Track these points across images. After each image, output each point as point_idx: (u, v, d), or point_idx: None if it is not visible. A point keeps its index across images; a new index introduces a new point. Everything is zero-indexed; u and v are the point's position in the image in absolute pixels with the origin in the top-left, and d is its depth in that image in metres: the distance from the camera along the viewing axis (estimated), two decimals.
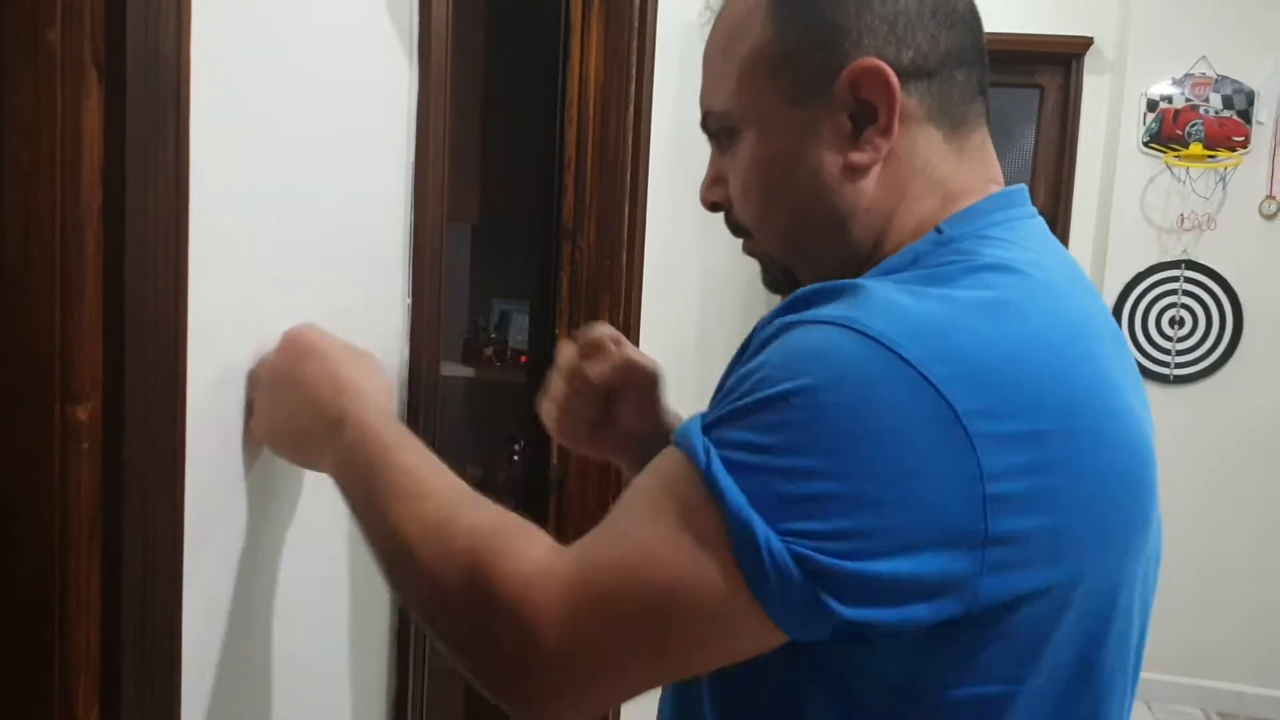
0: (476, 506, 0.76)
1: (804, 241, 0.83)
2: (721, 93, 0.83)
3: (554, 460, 2.17)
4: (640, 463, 1.10)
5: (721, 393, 0.71)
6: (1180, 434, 3.70)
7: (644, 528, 0.68)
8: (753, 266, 0.90)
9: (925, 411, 0.64)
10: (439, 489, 0.78)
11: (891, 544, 0.63)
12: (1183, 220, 3.71)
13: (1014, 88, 3.86)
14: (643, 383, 1.07)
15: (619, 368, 1.05)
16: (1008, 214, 0.79)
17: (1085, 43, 3.77)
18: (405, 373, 1.24)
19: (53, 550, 0.70)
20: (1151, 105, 3.70)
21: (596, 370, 1.05)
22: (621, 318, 2.16)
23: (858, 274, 0.78)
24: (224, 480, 0.88)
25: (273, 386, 0.88)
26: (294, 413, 0.87)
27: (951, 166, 0.79)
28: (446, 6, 1.25)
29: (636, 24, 2.09)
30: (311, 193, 1.00)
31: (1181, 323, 3.76)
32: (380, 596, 1.26)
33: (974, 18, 0.81)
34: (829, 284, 0.73)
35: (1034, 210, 0.82)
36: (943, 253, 0.75)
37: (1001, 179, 0.83)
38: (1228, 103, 3.65)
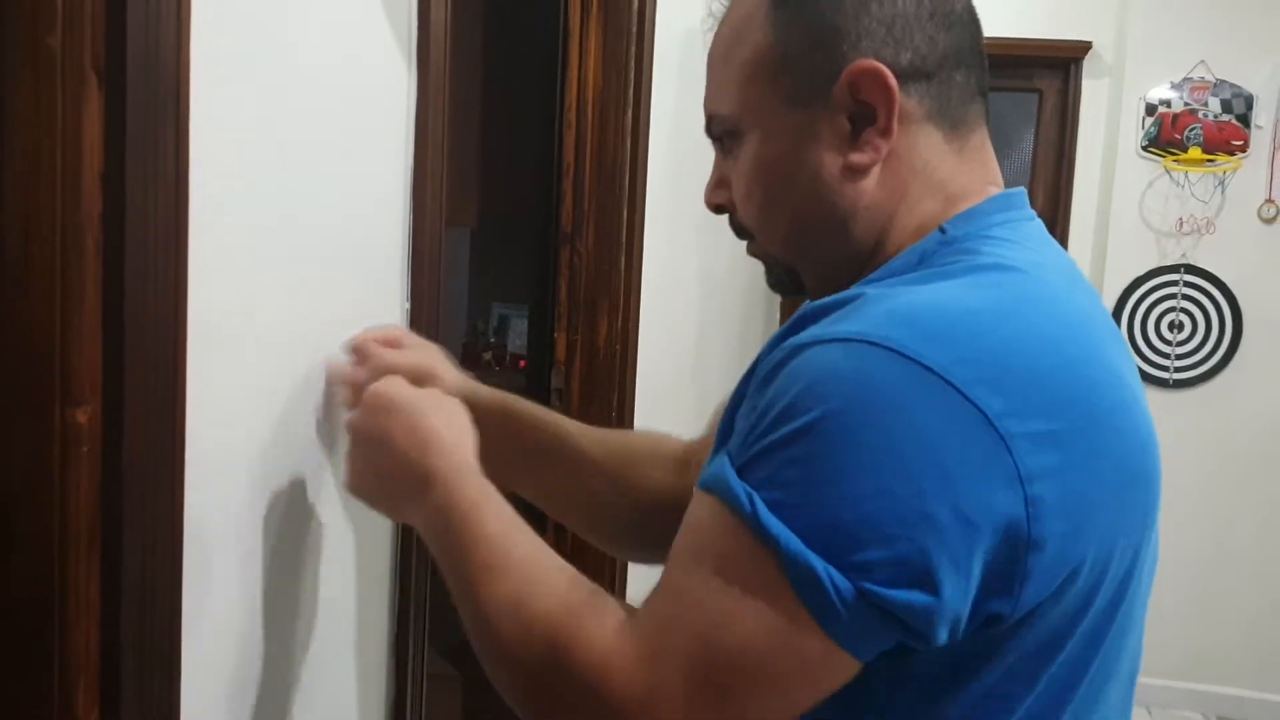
0: (550, 580, 0.77)
1: (806, 242, 0.83)
2: (724, 97, 0.83)
3: None
4: None
5: (740, 426, 0.71)
6: (1180, 438, 3.69)
7: (703, 588, 0.67)
8: (752, 270, 0.91)
9: (957, 419, 0.63)
10: (513, 561, 0.78)
11: (948, 561, 0.63)
12: (1182, 224, 3.71)
13: (1013, 92, 3.87)
14: (425, 371, 1.04)
15: (396, 365, 1.02)
16: (1008, 216, 0.79)
17: (1084, 47, 3.77)
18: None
19: (52, 552, 0.70)
20: (1150, 109, 3.71)
21: (366, 371, 1.02)
22: (620, 322, 2.16)
23: (860, 274, 0.79)
24: (223, 483, 0.89)
25: (362, 445, 0.91)
26: (383, 471, 0.89)
27: (951, 167, 0.80)
28: (445, 11, 1.25)
29: (635, 29, 2.09)
30: (311, 197, 1.00)
31: (1181, 327, 3.76)
32: (379, 600, 1.26)
33: (972, 19, 0.81)
34: (833, 298, 0.73)
35: (1033, 213, 0.83)
36: (947, 252, 0.75)
37: (1001, 181, 0.83)
38: (1226, 107, 3.66)
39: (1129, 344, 3.75)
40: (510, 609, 0.75)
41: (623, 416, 2.22)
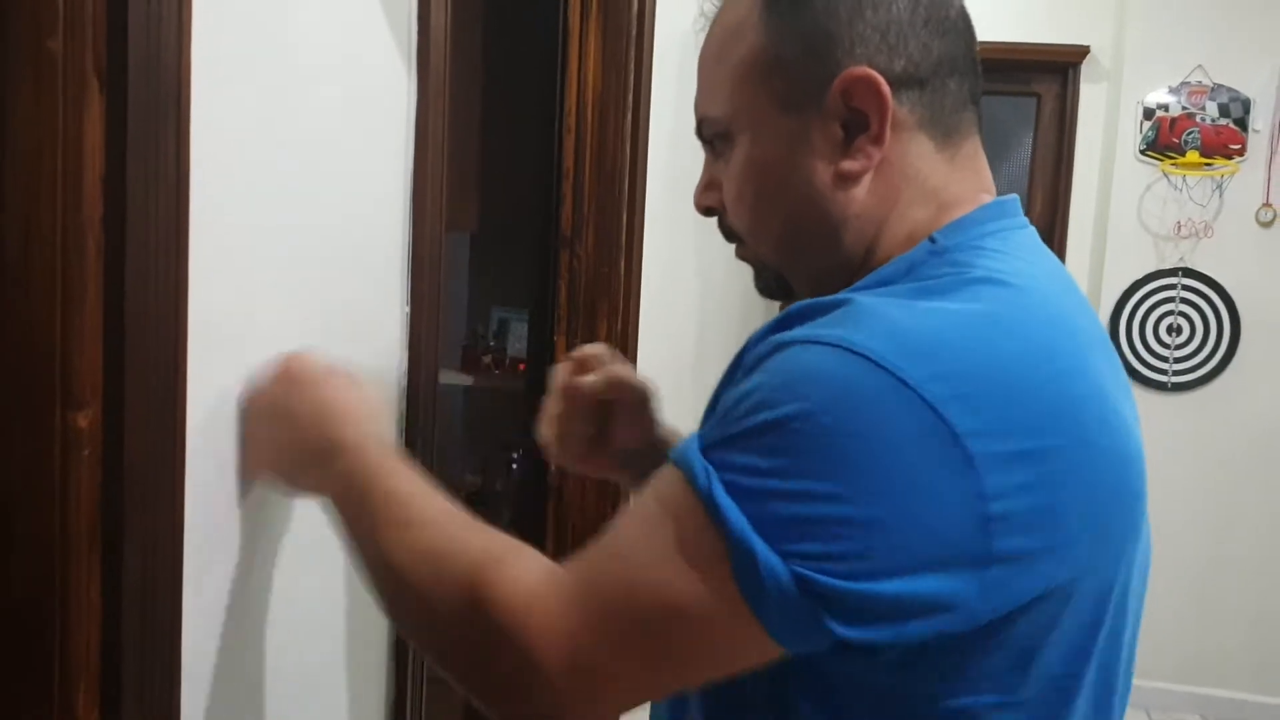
0: (470, 531, 0.77)
1: (796, 247, 0.83)
2: (715, 99, 0.83)
3: (552, 468, 2.18)
4: (638, 478, 1.11)
5: (716, 412, 0.71)
6: (1178, 441, 3.70)
7: (643, 549, 0.69)
8: (750, 274, 0.91)
9: (925, 433, 0.64)
10: (431, 515, 0.78)
11: (893, 565, 0.63)
12: (1180, 228, 3.72)
13: (1011, 96, 3.87)
14: (635, 399, 1.08)
15: (611, 383, 1.07)
16: (1000, 224, 0.79)
17: (1082, 51, 3.78)
18: (404, 381, 1.24)
19: (53, 554, 0.70)
20: (1148, 113, 3.71)
21: (588, 384, 1.06)
22: (619, 325, 2.16)
23: (850, 280, 0.79)
24: (224, 486, 0.89)
25: (266, 416, 0.89)
26: (287, 442, 0.88)
27: (943, 175, 0.80)
28: (445, 15, 1.25)
29: (634, 32, 2.10)
30: (311, 200, 1.00)
31: (1179, 330, 3.76)
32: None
33: (966, 27, 0.81)
34: (821, 300, 0.73)
35: (1026, 221, 0.82)
36: (937, 263, 0.75)
37: (994, 188, 0.83)
38: (1224, 111, 3.66)
39: (1127, 348, 3.76)
40: (428, 557, 0.75)
41: None
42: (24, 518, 0.70)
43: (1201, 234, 3.70)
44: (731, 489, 0.66)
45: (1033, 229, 0.82)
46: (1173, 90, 3.69)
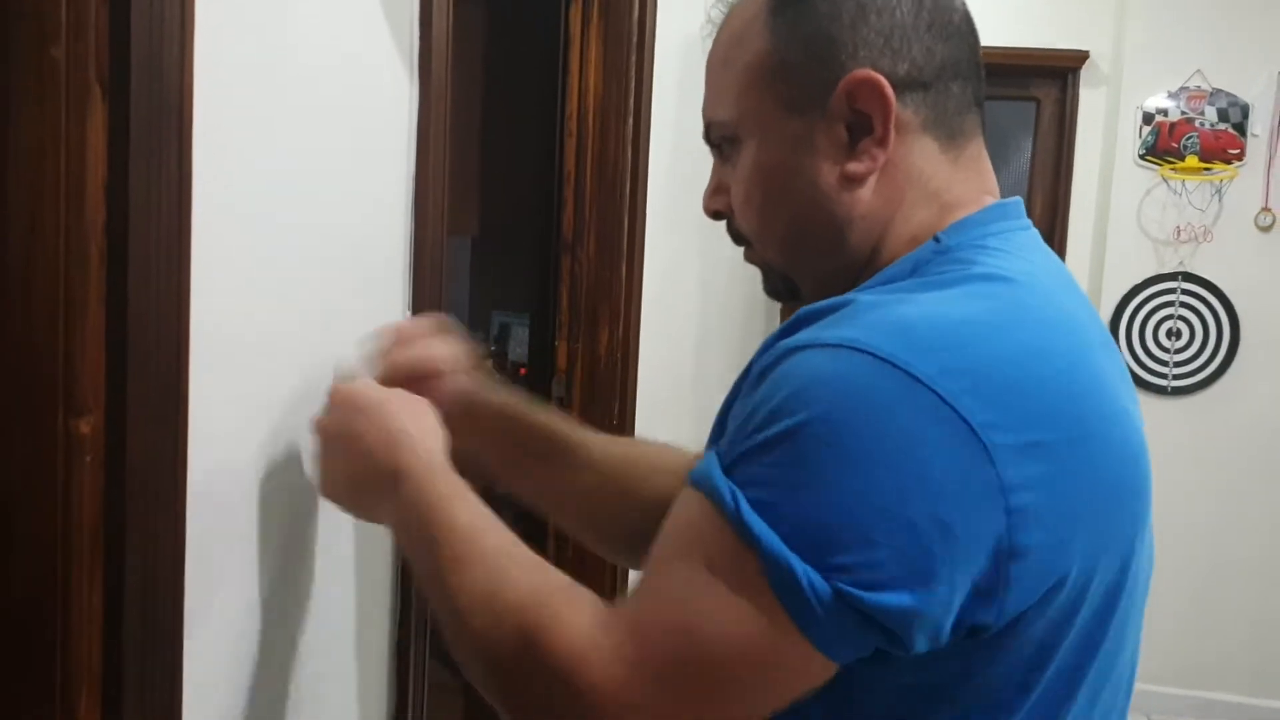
0: (522, 570, 0.77)
1: (802, 249, 0.84)
2: (722, 103, 0.84)
3: None
4: (471, 443, 1.02)
5: (731, 426, 0.71)
6: (1178, 445, 3.70)
7: (683, 583, 0.68)
8: (752, 278, 0.91)
9: (942, 429, 0.64)
10: (486, 552, 0.78)
11: (927, 567, 0.63)
12: (1179, 232, 3.72)
13: (1011, 101, 3.87)
14: (427, 370, 1.03)
15: (408, 366, 1.02)
16: (1003, 225, 0.79)
17: (1081, 56, 3.78)
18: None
19: (55, 560, 0.70)
20: (1147, 118, 3.71)
21: (387, 372, 1.02)
22: (621, 330, 2.16)
23: (856, 281, 0.79)
24: (226, 492, 0.89)
25: (329, 444, 0.91)
26: (351, 470, 0.89)
27: (947, 176, 0.80)
28: (447, 22, 1.25)
29: (635, 38, 2.10)
30: (313, 205, 1.00)
31: (1179, 334, 3.76)
32: (381, 609, 1.26)
33: (970, 31, 0.82)
34: (826, 302, 0.73)
35: (1029, 222, 0.83)
36: (941, 261, 0.76)
37: (997, 190, 0.84)
38: (1223, 116, 3.67)
39: (1127, 351, 3.75)
40: (483, 600, 0.75)
41: (623, 424, 2.22)
42: (26, 523, 0.70)
43: (1201, 238, 3.71)
44: (758, 506, 0.65)
45: (1035, 231, 0.83)
46: (1172, 95, 3.69)
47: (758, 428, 0.67)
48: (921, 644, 0.65)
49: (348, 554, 1.15)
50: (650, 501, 1.08)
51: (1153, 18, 3.68)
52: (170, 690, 0.80)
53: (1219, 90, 3.66)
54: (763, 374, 0.70)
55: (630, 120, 2.11)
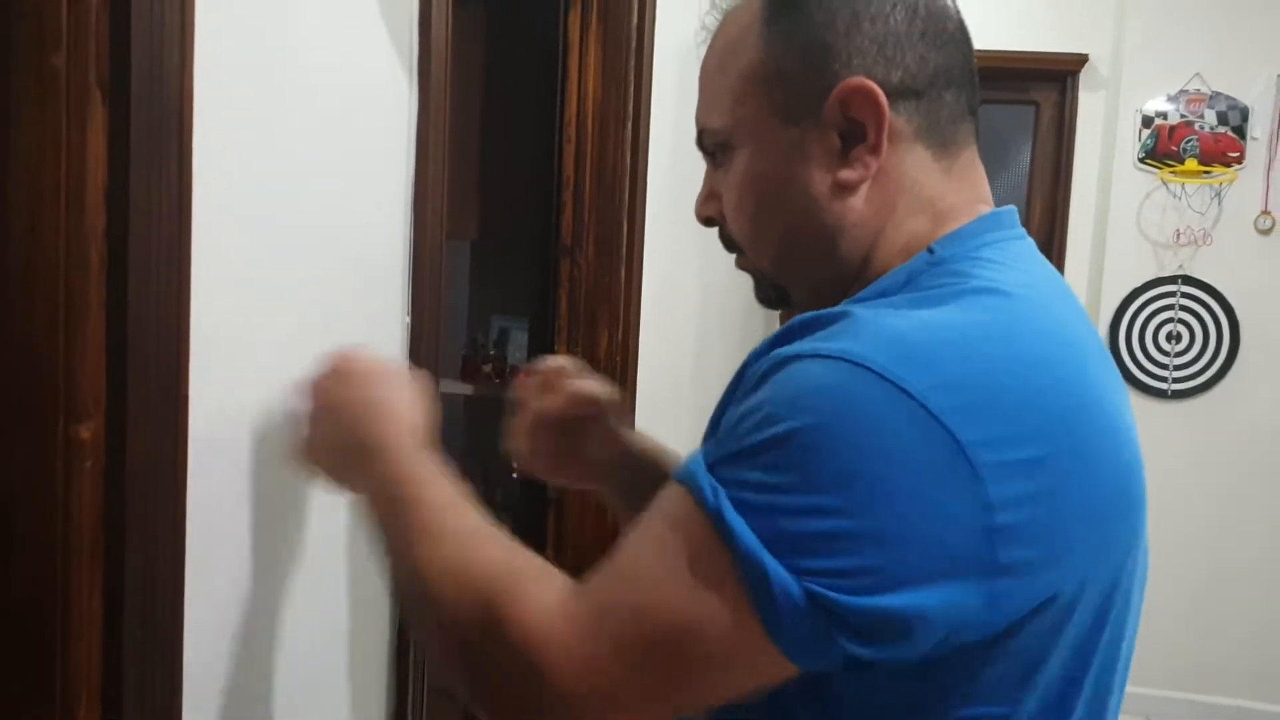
0: (493, 547, 0.76)
1: (794, 257, 0.84)
2: (716, 110, 0.84)
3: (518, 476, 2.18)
4: (615, 488, 1.12)
5: (721, 428, 0.71)
6: (1178, 449, 3.70)
7: (654, 569, 0.68)
8: (751, 283, 0.91)
9: (929, 444, 0.64)
10: (459, 529, 0.78)
11: (902, 578, 0.63)
12: (1179, 236, 3.72)
13: (1010, 104, 3.88)
14: (600, 412, 1.11)
15: (574, 399, 1.10)
16: (997, 235, 0.79)
17: (1080, 60, 3.79)
18: None
19: (55, 564, 0.70)
20: (1147, 121, 3.72)
21: (546, 403, 1.10)
22: (620, 335, 2.16)
23: (848, 290, 0.79)
24: (226, 497, 0.89)
25: (319, 409, 0.90)
26: (334, 437, 0.89)
27: (940, 185, 0.80)
28: (446, 27, 1.26)
29: (634, 43, 2.10)
30: (312, 211, 1.01)
31: (1178, 338, 3.76)
32: (380, 614, 1.26)
33: (964, 39, 0.82)
34: (822, 313, 0.73)
35: (1023, 231, 0.83)
36: (935, 274, 0.76)
37: (990, 199, 0.84)
38: (1222, 119, 3.67)
39: (1127, 355, 3.76)
40: (450, 572, 0.75)
41: None
42: (27, 526, 0.70)
43: (1200, 242, 3.71)
44: (740, 505, 0.65)
45: (1030, 240, 0.83)
46: (1171, 98, 3.70)
47: (748, 432, 0.67)
48: (893, 652, 0.65)
49: (349, 559, 1.15)
50: None
51: (1152, 21, 3.69)
52: (169, 693, 0.80)
53: (1218, 93, 3.67)
54: (758, 380, 0.70)
55: (629, 125, 2.11)
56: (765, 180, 0.81)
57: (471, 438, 3.26)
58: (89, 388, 0.71)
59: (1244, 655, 3.82)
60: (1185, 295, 3.74)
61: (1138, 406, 0.80)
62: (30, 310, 0.69)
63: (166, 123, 0.74)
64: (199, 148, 0.77)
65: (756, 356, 0.73)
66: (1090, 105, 3.83)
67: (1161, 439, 3.62)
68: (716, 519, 0.66)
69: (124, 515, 0.73)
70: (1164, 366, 3.78)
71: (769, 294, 0.89)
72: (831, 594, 0.63)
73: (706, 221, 0.89)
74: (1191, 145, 3.69)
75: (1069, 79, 3.82)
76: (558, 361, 1.12)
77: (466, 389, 3.10)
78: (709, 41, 0.86)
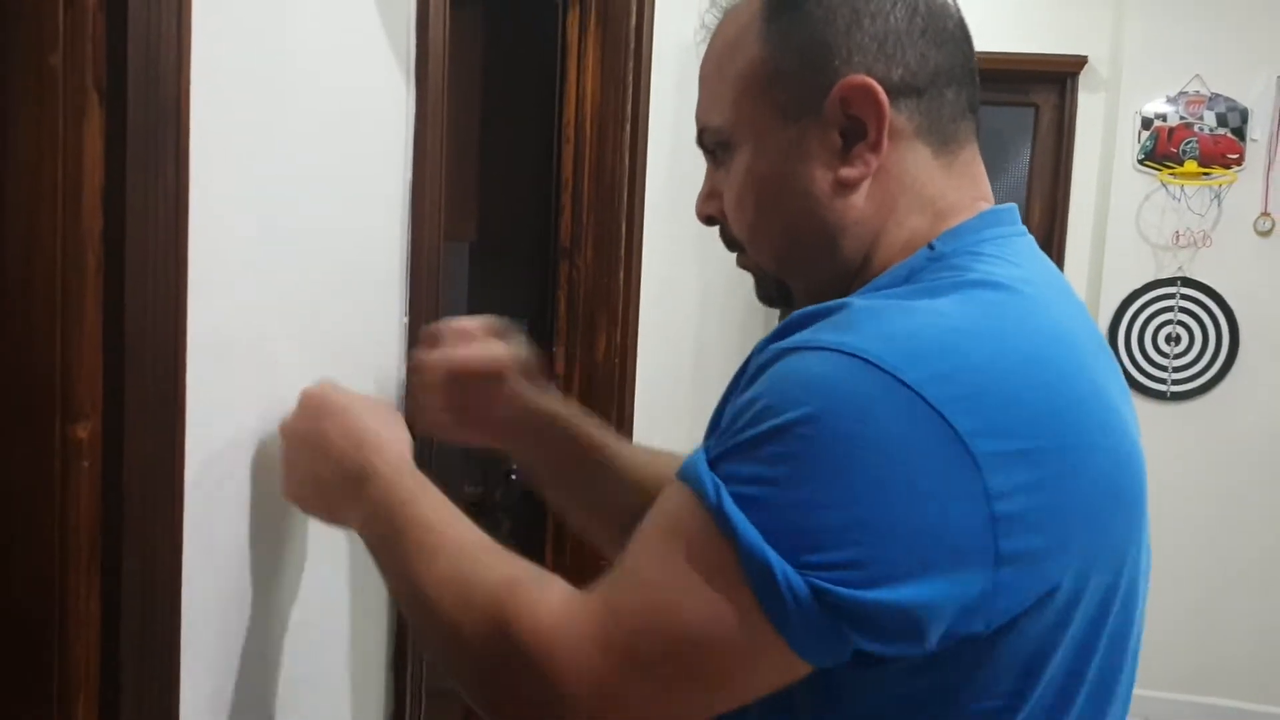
0: (496, 558, 0.77)
1: (795, 255, 0.84)
2: (716, 109, 0.84)
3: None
4: (517, 446, 1.12)
5: (721, 423, 0.71)
6: (1178, 450, 3.70)
7: (660, 570, 0.68)
8: (750, 284, 0.91)
9: (928, 435, 0.64)
10: (458, 543, 0.79)
11: (905, 569, 0.63)
12: (1178, 237, 3.73)
13: (1009, 106, 3.88)
14: (500, 371, 1.09)
15: (469, 360, 1.08)
16: (997, 231, 0.80)
17: (1080, 61, 3.79)
18: (403, 392, 1.24)
19: (53, 566, 0.70)
20: (1146, 123, 3.72)
21: (431, 361, 1.09)
22: (619, 336, 2.16)
23: (849, 288, 0.79)
24: (224, 498, 0.89)
25: (296, 446, 0.91)
26: (318, 472, 0.89)
27: (940, 183, 0.80)
28: (444, 28, 1.26)
29: (633, 44, 2.10)
30: (310, 212, 1.01)
31: (1178, 339, 3.76)
32: (378, 617, 1.26)
33: (965, 37, 0.82)
34: (821, 306, 0.73)
35: (1024, 228, 0.83)
36: (936, 269, 0.76)
37: (991, 196, 0.84)
38: (1222, 120, 3.67)
39: (1126, 357, 3.76)
40: (453, 587, 0.75)
41: (622, 430, 2.22)
42: (24, 528, 0.70)
43: (1200, 243, 3.71)
44: (741, 500, 0.65)
45: (1030, 237, 0.83)
46: (1170, 100, 3.70)
47: (747, 425, 0.67)
48: (901, 646, 0.65)
49: (346, 560, 1.15)
50: None
51: (1151, 22, 3.69)
52: (168, 695, 0.80)
53: (1218, 95, 3.67)
54: (756, 374, 0.71)
55: (628, 126, 2.11)
56: (766, 178, 0.82)
57: None
58: (86, 388, 0.71)
59: (1244, 656, 3.82)
60: (1184, 297, 3.74)
61: (1137, 408, 0.80)
62: (27, 311, 0.69)
63: (163, 125, 0.74)
64: (196, 150, 0.77)
65: (757, 351, 0.74)
66: (1090, 107, 3.83)
67: (1161, 441, 3.62)
68: (718, 515, 0.66)
69: (122, 516, 0.73)
70: (1163, 368, 3.78)
71: (770, 292, 0.89)
72: (836, 588, 0.63)
73: (708, 220, 0.89)
74: (1191, 147, 3.69)
75: (1068, 81, 3.82)
76: (463, 322, 1.11)
77: None
78: (709, 40, 0.86)
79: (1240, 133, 3.67)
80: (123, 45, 0.69)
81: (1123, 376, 0.80)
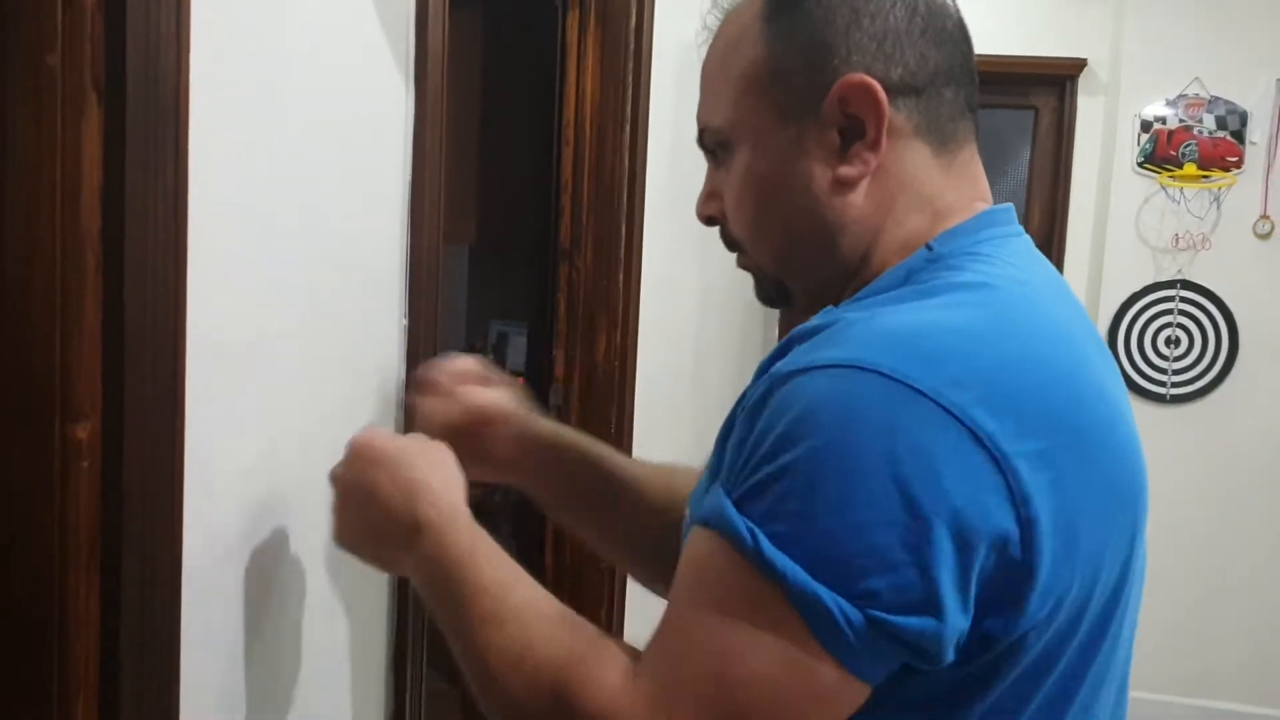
0: (553, 627, 0.76)
1: (795, 255, 0.84)
2: (717, 109, 0.84)
3: None
4: (525, 483, 1.10)
5: (730, 455, 0.70)
6: (1177, 453, 3.69)
7: (709, 630, 0.67)
8: (750, 285, 0.91)
9: (951, 441, 0.63)
10: (515, 609, 0.77)
11: (952, 583, 0.63)
12: (1177, 240, 3.72)
13: (1009, 109, 3.88)
14: (496, 420, 1.07)
15: (465, 412, 1.06)
16: (995, 232, 0.80)
17: (1079, 64, 3.79)
18: (402, 394, 1.25)
19: (53, 566, 0.70)
20: (1145, 126, 3.72)
21: (439, 415, 1.06)
22: (619, 338, 2.16)
23: (848, 288, 0.80)
24: (223, 498, 0.89)
25: (346, 496, 0.90)
26: (370, 522, 0.88)
27: (939, 182, 0.80)
28: (443, 30, 1.26)
29: (632, 45, 2.10)
30: (309, 214, 1.01)
31: (1177, 342, 3.76)
32: (378, 617, 1.26)
33: (964, 37, 0.82)
34: (814, 322, 0.73)
35: (1021, 229, 0.83)
36: (934, 269, 0.76)
37: (989, 196, 0.84)
38: (1221, 123, 3.67)
39: (1126, 360, 3.76)
40: (513, 659, 0.75)
41: (621, 432, 2.22)
42: (24, 528, 0.70)
43: (1199, 246, 3.71)
44: (778, 540, 0.64)
45: (1027, 237, 0.83)
46: (1170, 103, 3.70)
47: (764, 459, 0.66)
48: (949, 656, 0.65)
49: (346, 562, 1.15)
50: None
51: (1151, 25, 3.69)
52: (167, 693, 0.80)
53: (1217, 98, 3.67)
54: (759, 403, 0.69)
55: (627, 128, 2.11)
56: (765, 178, 0.82)
57: None
58: (86, 388, 0.71)
59: (1244, 660, 3.82)
60: (1184, 300, 3.74)
61: (1136, 411, 0.81)
62: (27, 311, 0.69)
63: (162, 125, 0.74)
64: (195, 150, 0.77)
65: (758, 375, 0.73)
66: (1089, 110, 3.83)
67: (1160, 444, 3.61)
68: (758, 560, 0.64)
69: (121, 515, 0.73)
70: (1163, 371, 3.78)
71: (770, 292, 0.89)
72: (891, 617, 0.63)
73: (708, 220, 0.89)
74: (1190, 150, 3.69)
75: (1068, 83, 3.82)
76: (455, 365, 1.09)
77: None
78: (709, 41, 0.87)
79: (1240, 135, 3.67)
80: (121, 45, 0.69)
81: (1120, 375, 0.81)
